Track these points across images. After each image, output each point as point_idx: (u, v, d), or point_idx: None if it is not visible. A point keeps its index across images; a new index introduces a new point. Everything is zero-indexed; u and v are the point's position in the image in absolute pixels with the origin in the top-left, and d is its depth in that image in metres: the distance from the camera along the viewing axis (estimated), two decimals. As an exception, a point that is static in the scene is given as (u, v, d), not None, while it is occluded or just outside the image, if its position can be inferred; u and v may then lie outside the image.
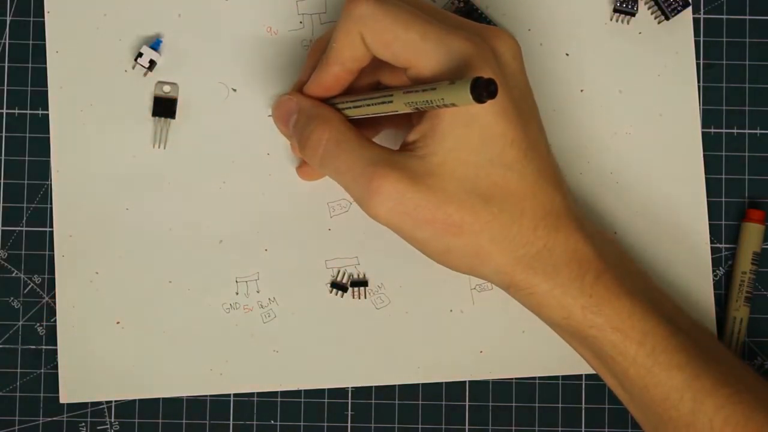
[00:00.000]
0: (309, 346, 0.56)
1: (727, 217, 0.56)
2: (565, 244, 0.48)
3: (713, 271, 0.56)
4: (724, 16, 0.57)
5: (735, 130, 0.57)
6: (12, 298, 0.56)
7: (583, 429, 0.56)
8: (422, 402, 0.56)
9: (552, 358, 0.55)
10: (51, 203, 0.56)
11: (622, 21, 0.56)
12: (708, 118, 0.56)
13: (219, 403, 0.56)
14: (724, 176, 0.56)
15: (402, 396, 0.56)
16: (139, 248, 0.56)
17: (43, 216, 0.56)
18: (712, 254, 0.56)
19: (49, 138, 0.56)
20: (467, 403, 0.56)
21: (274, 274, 0.56)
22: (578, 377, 0.56)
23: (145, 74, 0.56)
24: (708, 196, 0.56)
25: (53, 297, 0.56)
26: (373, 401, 0.56)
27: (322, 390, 0.56)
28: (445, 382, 0.56)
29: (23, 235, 0.56)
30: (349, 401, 0.56)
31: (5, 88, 0.56)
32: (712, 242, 0.56)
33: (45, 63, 0.56)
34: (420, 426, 0.56)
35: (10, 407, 0.56)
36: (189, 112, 0.56)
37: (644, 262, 0.55)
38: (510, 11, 0.56)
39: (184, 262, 0.56)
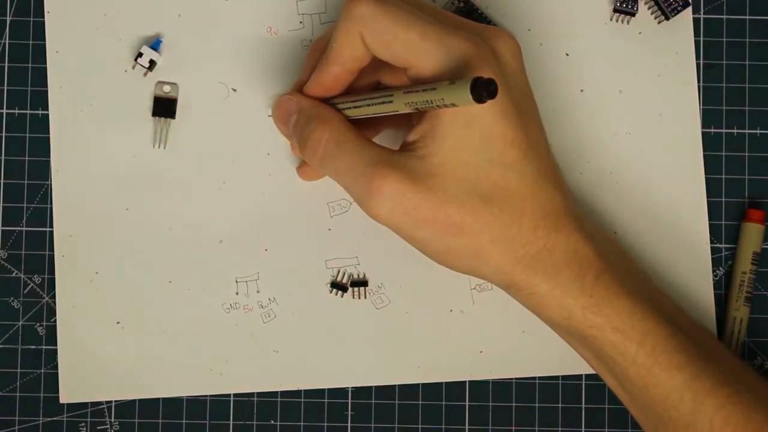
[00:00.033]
0: (309, 346, 0.56)
1: (727, 217, 0.56)
2: (566, 244, 0.48)
3: (713, 271, 0.56)
4: (724, 16, 0.57)
5: (735, 130, 0.57)
6: (12, 298, 0.56)
7: (583, 429, 0.56)
8: (422, 402, 0.56)
9: (552, 358, 0.55)
10: (51, 203, 0.56)
11: (622, 21, 0.56)
12: (708, 118, 0.56)
13: (219, 403, 0.56)
14: (724, 176, 0.56)
15: (402, 396, 0.56)
16: (139, 248, 0.56)
17: (43, 216, 0.56)
18: (712, 254, 0.56)
19: (49, 138, 0.56)
20: (467, 403, 0.56)
21: (274, 274, 0.56)
22: (578, 377, 0.56)
23: (145, 74, 0.56)
24: (708, 196, 0.56)
25: (53, 297, 0.56)
26: (373, 401, 0.56)
27: (322, 390, 0.56)
28: (445, 382, 0.56)
29: (23, 235, 0.56)
30: (349, 401, 0.56)
31: (5, 88, 0.56)
32: (712, 242, 0.56)
33: (45, 63, 0.56)
34: (420, 426, 0.56)
35: (10, 407, 0.56)
36: (189, 112, 0.56)
37: (644, 262, 0.55)
38: (510, 11, 0.56)
39: (184, 262, 0.56)
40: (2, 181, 0.56)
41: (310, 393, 0.56)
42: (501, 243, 0.47)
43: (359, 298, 0.56)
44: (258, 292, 0.56)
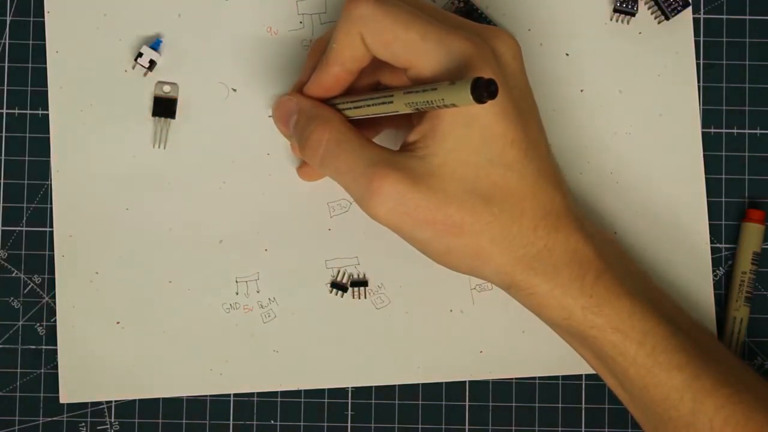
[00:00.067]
0: (309, 346, 0.56)
1: (727, 217, 0.56)
2: (566, 244, 0.48)
3: (713, 271, 0.56)
4: (724, 16, 0.57)
5: (735, 130, 0.57)
6: (12, 298, 0.56)
7: (583, 429, 0.56)
8: (422, 402, 0.56)
9: (552, 358, 0.55)
10: (51, 203, 0.56)
11: (622, 21, 0.56)
12: (708, 118, 0.56)
13: (219, 403, 0.56)
14: (724, 176, 0.56)
15: (402, 396, 0.56)
16: (139, 248, 0.56)
17: (43, 216, 0.56)
18: (712, 254, 0.56)
19: (49, 138, 0.56)
20: (467, 403, 0.56)
21: (274, 274, 0.56)
22: (578, 377, 0.56)
23: (145, 74, 0.56)
24: (708, 196, 0.56)
25: (53, 297, 0.56)
26: (373, 401, 0.56)
27: (322, 390, 0.56)
28: (445, 382, 0.56)
29: (23, 235, 0.56)
30: (349, 401, 0.56)
31: (5, 88, 0.56)
32: (712, 242, 0.56)
33: (45, 63, 0.56)
34: (420, 426, 0.56)
35: (10, 407, 0.56)
36: (189, 112, 0.56)
37: (644, 262, 0.55)
38: (510, 11, 0.56)
39: (184, 262, 0.56)
40: (2, 181, 0.56)
41: (310, 393, 0.56)
42: (501, 243, 0.47)
43: (359, 298, 0.56)
44: (258, 292, 0.56)
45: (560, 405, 0.56)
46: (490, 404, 0.56)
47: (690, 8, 0.56)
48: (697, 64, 0.56)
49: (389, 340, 0.56)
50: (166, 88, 0.56)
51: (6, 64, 0.56)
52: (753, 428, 0.48)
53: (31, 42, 0.56)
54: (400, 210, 0.46)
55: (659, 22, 0.56)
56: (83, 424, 0.56)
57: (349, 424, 0.56)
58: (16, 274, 0.56)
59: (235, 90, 0.56)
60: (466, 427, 0.56)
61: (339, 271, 0.56)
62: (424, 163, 0.46)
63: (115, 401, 0.56)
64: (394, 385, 0.56)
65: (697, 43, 0.56)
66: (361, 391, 0.56)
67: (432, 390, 0.56)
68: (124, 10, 0.56)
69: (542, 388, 0.56)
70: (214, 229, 0.56)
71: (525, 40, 0.56)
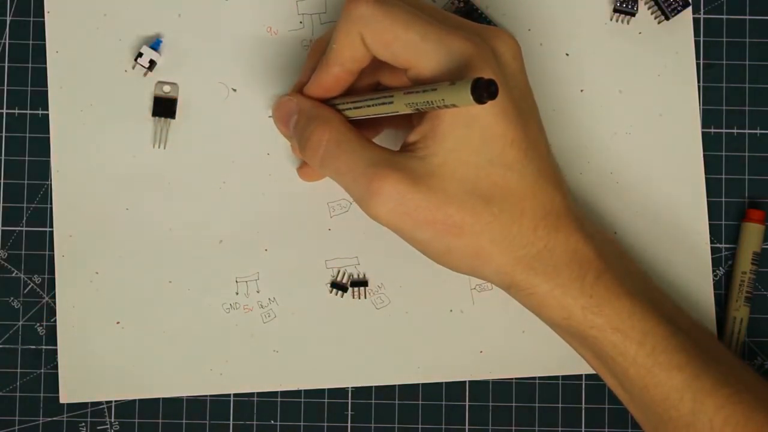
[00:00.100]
0: (309, 346, 0.56)
1: (727, 217, 0.56)
2: (566, 244, 0.48)
3: (713, 271, 0.56)
4: (724, 16, 0.57)
5: (735, 130, 0.57)
6: (12, 298, 0.56)
7: (583, 429, 0.56)
8: (422, 402, 0.56)
9: (552, 358, 0.55)
10: (51, 203, 0.56)
11: (622, 21, 0.56)
12: (708, 118, 0.57)
13: (219, 403, 0.56)
14: (724, 176, 0.56)
15: (402, 396, 0.56)
16: (139, 248, 0.56)
17: (43, 216, 0.56)
18: (712, 254, 0.56)
19: (49, 138, 0.56)
20: (467, 403, 0.56)
21: (274, 274, 0.56)
22: (578, 377, 0.56)
23: (145, 74, 0.56)
24: (708, 196, 0.56)
25: (53, 297, 0.56)
26: (373, 401, 0.56)
27: (322, 390, 0.56)
28: (445, 382, 0.56)
29: (23, 235, 0.56)
30: (349, 401, 0.56)
31: (5, 88, 0.56)
32: (712, 242, 0.56)
33: (45, 63, 0.56)
34: (420, 426, 0.56)
35: (10, 407, 0.56)
36: (189, 112, 0.56)
37: (644, 262, 0.55)
38: (510, 11, 0.56)
39: (184, 262, 0.56)
40: (2, 181, 0.56)
41: (310, 393, 0.56)
42: (501, 243, 0.47)
43: (359, 298, 0.56)
44: (258, 292, 0.56)
45: (560, 405, 0.56)
46: (490, 404, 0.56)
47: (690, 8, 0.56)
48: (697, 64, 0.56)
49: (389, 340, 0.56)
50: (166, 88, 0.56)
51: (6, 64, 0.56)
52: (753, 428, 0.48)
53: (31, 42, 0.56)
54: (400, 210, 0.46)
55: (659, 22, 0.56)
56: (83, 424, 0.56)
57: (349, 424, 0.56)
58: (16, 274, 0.56)
59: (235, 90, 0.56)
60: (466, 427, 0.56)
61: (339, 271, 0.56)
62: (425, 163, 0.46)
63: (115, 401, 0.56)
64: (394, 385, 0.56)
65: (697, 43, 0.56)
66: (361, 391, 0.56)
67: (432, 390, 0.56)
68: (124, 10, 0.56)
69: (542, 388, 0.56)
70: (214, 229, 0.56)
71: (525, 40, 0.56)
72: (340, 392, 0.56)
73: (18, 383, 0.56)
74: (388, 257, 0.56)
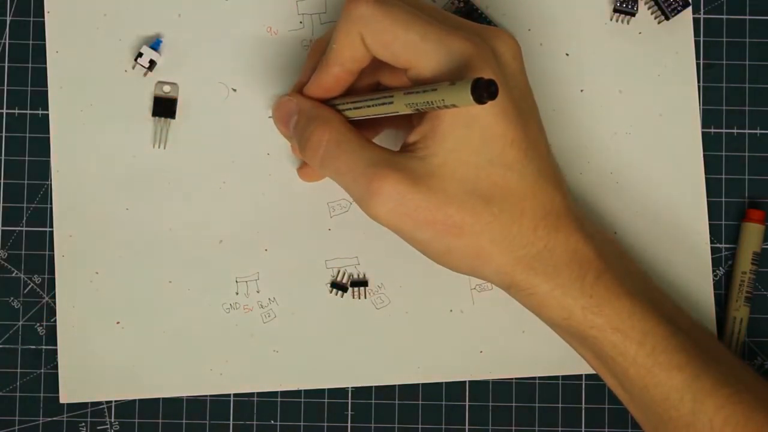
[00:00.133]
0: (309, 346, 0.56)
1: (727, 217, 0.56)
2: (566, 244, 0.48)
3: (713, 271, 0.56)
4: (724, 16, 0.57)
5: (735, 130, 0.57)
6: (12, 298, 0.56)
7: (583, 429, 0.56)
8: (422, 402, 0.56)
9: (552, 358, 0.55)
10: (51, 203, 0.56)
11: (622, 21, 0.56)
12: (708, 118, 0.56)
13: (219, 403, 0.56)
14: (724, 176, 0.56)
15: (402, 396, 0.56)
16: (139, 248, 0.56)
17: (43, 216, 0.56)
18: (712, 254, 0.56)
19: (49, 138, 0.56)
20: (467, 403, 0.56)
21: (274, 274, 0.56)
22: (578, 377, 0.56)
23: (145, 74, 0.56)
24: (708, 196, 0.56)
25: (53, 297, 0.56)
26: (373, 401, 0.56)
27: (322, 390, 0.56)
28: (445, 382, 0.56)
29: (23, 235, 0.56)
30: (349, 401, 0.56)
31: (5, 88, 0.56)
32: (712, 242, 0.56)
33: (45, 63, 0.56)
34: (420, 426, 0.56)
35: (10, 407, 0.56)
36: (189, 112, 0.56)
37: (644, 262, 0.55)
38: (510, 11, 0.56)
39: (184, 262, 0.56)
40: (2, 181, 0.56)
41: (310, 393, 0.56)
42: (501, 243, 0.47)
43: (359, 298, 0.56)
44: (258, 292, 0.56)
45: (560, 405, 0.56)
46: (490, 404, 0.56)
47: (690, 8, 0.56)
48: (697, 64, 0.56)
49: (389, 340, 0.56)
50: (166, 88, 0.56)
51: (6, 64, 0.56)
52: (753, 428, 0.48)
53: (31, 42, 0.56)
54: (400, 210, 0.46)
55: (659, 22, 0.56)
56: (83, 424, 0.56)
57: (349, 424, 0.56)
58: (16, 274, 0.56)
59: (235, 90, 0.56)
60: (466, 427, 0.56)
61: (339, 271, 0.56)
62: (425, 163, 0.46)
63: (115, 401, 0.56)
64: (394, 385, 0.56)
65: (697, 43, 0.56)
66: (361, 391, 0.56)
67: (432, 390, 0.56)
68: (124, 10, 0.56)
69: (542, 388, 0.56)
70: (214, 229, 0.56)
71: (525, 40, 0.56)
72: (340, 392, 0.56)
73: (18, 383, 0.56)
74: (388, 257, 0.56)
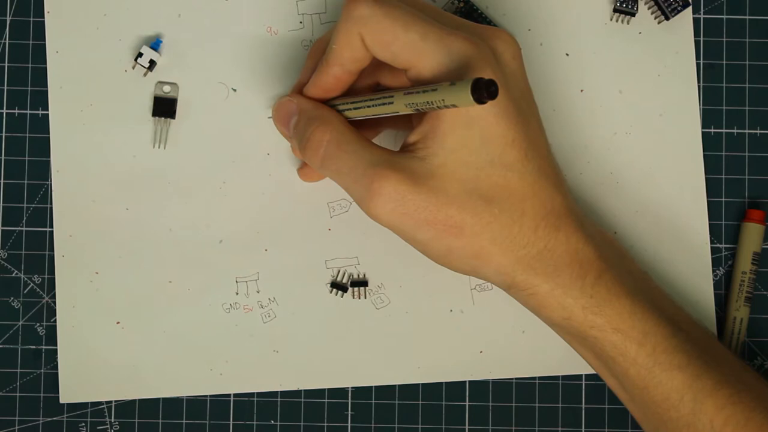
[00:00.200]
0: (309, 346, 0.56)
1: (727, 217, 0.56)
2: (566, 244, 0.48)
3: (713, 271, 0.56)
4: (724, 16, 0.57)
5: (735, 130, 0.57)
6: (12, 298, 0.56)
7: (583, 429, 0.56)
8: (422, 402, 0.56)
9: (552, 358, 0.55)
10: (51, 203, 0.56)
11: (622, 21, 0.56)
12: (708, 118, 0.57)
13: (219, 403, 0.56)
14: (724, 176, 0.56)
15: (402, 396, 0.56)
16: (139, 248, 0.56)
17: (43, 216, 0.56)
18: (712, 254, 0.56)
19: (49, 138, 0.56)
20: (467, 403, 0.56)
21: (274, 274, 0.56)
22: (578, 377, 0.56)
23: (145, 74, 0.56)
24: (708, 196, 0.56)
25: (53, 297, 0.56)
26: (373, 401, 0.56)
27: (322, 390, 0.56)
28: (445, 382, 0.56)
29: (23, 235, 0.56)
30: (349, 401, 0.56)
31: (5, 88, 0.56)
32: (712, 242, 0.56)
33: (45, 63, 0.56)
34: (420, 426, 0.56)
35: (10, 407, 0.56)
36: (189, 112, 0.56)
37: (644, 262, 0.55)
38: (510, 11, 0.56)
39: (184, 262, 0.56)
40: (2, 181, 0.56)
41: (310, 393, 0.56)
42: (502, 243, 0.47)
43: (359, 298, 0.56)
44: (258, 292, 0.56)
45: (560, 405, 0.56)
46: (490, 404, 0.56)
47: (690, 8, 0.56)
48: (697, 64, 0.56)
49: (389, 340, 0.56)
50: (166, 88, 0.56)
51: (6, 64, 0.56)
52: (753, 428, 0.48)
53: (31, 42, 0.56)
54: (400, 211, 0.46)
55: (659, 22, 0.56)
56: (83, 424, 0.56)
57: (349, 424, 0.56)
58: (16, 274, 0.56)
59: (235, 90, 0.56)
60: (466, 427, 0.56)
61: (339, 271, 0.56)
62: (425, 163, 0.46)
63: (115, 401, 0.56)
64: (394, 385, 0.56)
65: (697, 43, 0.56)
66: (361, 391, 0.56)
67: (432, 390, 0.56)
68: (124, 10, 0.56)
69: (542, 388, 0.56)
70: (214, 229, 0.56)
71: (525, 40, 0.56)
72: (340, 392, 0.56)
73: (18, 383, 0.56)
74: (388, 257, 0.56)
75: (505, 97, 0.46)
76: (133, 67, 0.56)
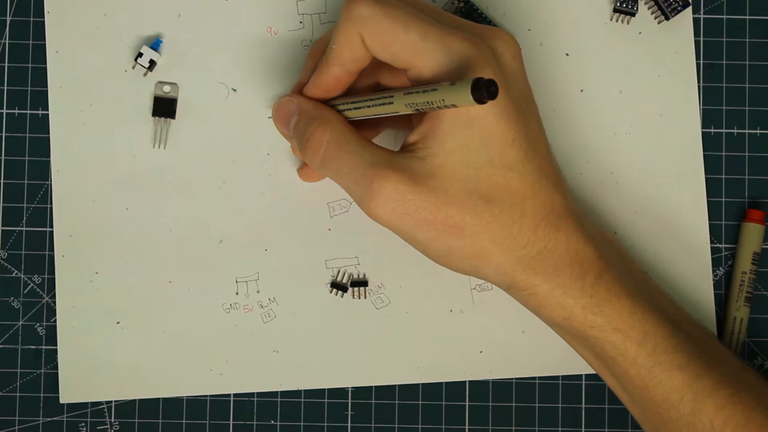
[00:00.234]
0: (309, 346, 0.56)
1: (727, 217, 0.56)
2: (566, 244, 0.48)
3: (713, 271, 0.56)
4: (724, 16, 0.57)
5: (735, 130, 0.57)
6: (12, 298, 0.56)
7: (583, 429, 0.56)
8: (422, 402, 0.56)
9: (552, 358, 0.55)
10: (51, 203, 0.56)
11: (622, 21, 0.56)
12: (708, 118, 0.57)
13: (219, 403, 0.56)
14: (724, 176, 0.56)
15: (402, 396, 0.56)
16: (139, 248, 0.56)
17: (43, 216, 0.56)
18: (712, 254, 0.56)
19: (49, 138, 0.56)
20: (467, 403, 0.56)
21: (274, 274, 0.56)
22: (578, 377, 0.56)
23: (145, 74, 0.56)
24: (708, 196, 0.56)
25: (53, 297, 0.56)
26: (373, 401, 0.56)
27: (322, 390, 0.56)
28: (445, 382, 0.56)
29: (23, 235, 0.56)
30: (349, 401, 0.56)
31: (5, 88, 0.56)
32: (712, 242, 0.56)
33: (45, 63, 0.56)
34: (420, 426, 0.56)
35: (10, 407, 0.56)
36: (189, 112, 0.56)
37: (644, 262, 0.55)
38: (510, 11, 0.56)
39: (184, 262, 0.56)
40: (2, 181, 0.56)
41: (310, 393, 0.56)
42: (502, 243, 0.47)
43: (359, 298, 0.56)
44: (258, 292, 0.56)
45: (560, 405, 0.56)
46: (490, 404, 0.56)
47: (690, 8, 0.56)
48: (697, 64, 0.56)
49: (389, 340, 0.56)
50: (166, 88, 0.56)
51: (6, 64, 0.56)
52: (753, 428, 0.48)
53: (31, 42, 0.56)
54: (400, 211, 0.46)
55: (659, 22, 0.56)
56: (83, 424, 0.56)
57: (349, 424, 0.56)
58: (16, 274, 0.56)
59: (235, 90, 0.56)
60: (466, 427, 0.56)
61: (339, 271, 0.56)
62: (425, 163, 0.46)
63: (115, 401, 0.56)
64: (394, 385, 0.56)
65: (697, 43, 0.56)
66: (361, 391, 0.56)
67: (432, 390, 0.56)
68: (124, 10, 0.56)
69: (542, 388, 0.56)
70: (214, 229, 0.56)
71: (525, 40, 0.56)
72: (340, 392, 0.56)
73: (18, 383, 0.56)
74: (388, 257, 0.56)
75: (505, 97, 0.46)
76: (133, 67, 0.56)
